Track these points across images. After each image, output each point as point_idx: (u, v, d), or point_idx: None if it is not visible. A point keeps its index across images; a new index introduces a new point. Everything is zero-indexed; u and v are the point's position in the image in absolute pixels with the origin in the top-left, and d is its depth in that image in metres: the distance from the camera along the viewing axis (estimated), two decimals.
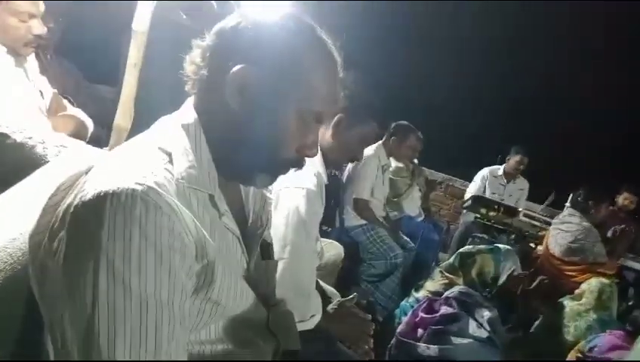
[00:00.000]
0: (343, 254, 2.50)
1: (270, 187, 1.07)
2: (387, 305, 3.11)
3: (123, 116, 1.29)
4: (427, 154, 4.57)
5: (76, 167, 0.79)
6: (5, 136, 1.14)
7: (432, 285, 2.51)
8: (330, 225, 3.46)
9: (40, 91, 1.75)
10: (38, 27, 1.55)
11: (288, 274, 1.32)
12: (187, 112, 0.85)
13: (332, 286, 1.97)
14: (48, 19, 2.06)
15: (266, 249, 1.03)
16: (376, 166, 3.50)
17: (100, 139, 1.88)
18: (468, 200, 4.60)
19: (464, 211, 4.81)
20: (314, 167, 1.46)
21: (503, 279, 2.39)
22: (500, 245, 2.73)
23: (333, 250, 2.43)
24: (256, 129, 0.82)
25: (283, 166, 0.89)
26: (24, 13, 1.49)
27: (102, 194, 0.65)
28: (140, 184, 0.67)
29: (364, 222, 3.32)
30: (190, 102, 0.87)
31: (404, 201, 4.11)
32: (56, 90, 1.88)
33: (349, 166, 3.59)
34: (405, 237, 3.54)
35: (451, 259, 2.71)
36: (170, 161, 0.77)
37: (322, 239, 2.48)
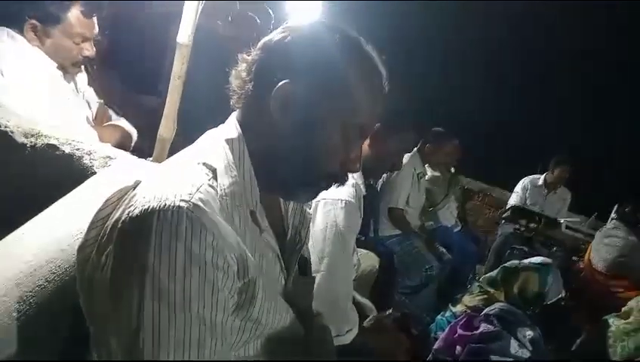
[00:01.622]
0: (377, 265, 2.47)
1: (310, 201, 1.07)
2: (421, 318, 3.05)
3: (166, 128, 1.31)
4: (464, 163, 4.48)
5: (123, 180, 0.80)
6: (54, 148, 1.19)
7: (470, 300, 2.44)
8: (364, 233, 3.43)
9: (87, 102, 1.82)
10: (89, 49, 1.62)
11: (325, 288, 1.31)
12: (231, 127, 0.85)
13: (366, 298, 1.95)
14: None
15: (304, 264, 1.02)
16: (412, 174, 3.44)
17: (142, 148, 1.93)
18: (507, 210, 4.47)
19: (502, 222, 4.67)
20: (352, 178, 1.45)
21: (547, 297, 2.30)
22: (540, 259, 2.62)
23: (368, 261, 2.40)
24: (300, 143, 0.82)
25: (326, 181, 0.89)
26: (78, 35, 1.56)
27: (149, 210, 0.66)
28: (185, 201, 0.68)
29: (398, 232, 3.27)
30: (234, 116, 0.88)
31: (441, 211, 4.03)
32: (102, 101, 1.94)
33: (385, 174, 3.55)
34: (442, 248, 3.46)
35: (494, 273, 2.62)
36: (215, 177, 0.77)
37: (358, 249, 2.47)
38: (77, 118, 1.60)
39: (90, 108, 1.82)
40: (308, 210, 1.05)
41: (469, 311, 2.30)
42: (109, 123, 1.84)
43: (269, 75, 0.81)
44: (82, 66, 1.74)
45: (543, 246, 4.16)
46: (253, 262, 0.76)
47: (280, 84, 0.79)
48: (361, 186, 1.49)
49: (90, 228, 0.77)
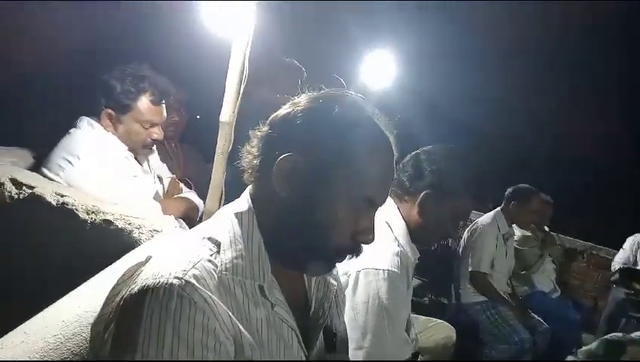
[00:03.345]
0: (454, 337, 2.26)
1: (335, 272, 1.02)
2: None
3: (212, 201, 1.38)
4: (564, 220, 4.09)
5: (139, 257, 0.84)
6: (109, 223, 1.29)
7: None
8: (447, 298, 3.21)
9: (159, 178, 1.98)
10: (157, 133, 1.79)
11: None
12: (243, 201, 0.87)
13: None
14: (174, 114, 2.37)
15: (330, 339, 0.96)
16: (495, 235, 3.20)
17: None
18: (616, 272, 3.94)
19: (613, 286, 4.11)
20: (396, 245, 1.37)
21: None
22: None
23: (442, 332, 2.22)
24: (306, 216, 0.81)
25: (337, 253, 0.85)
26: (147, 122, 1.74)
27: (144, 288, 0.68)
28: (178, 278, 0.68)
29: (483, 298, 3.01)
30: (247, 190, 0.89)
31: (535, 275, 3.66)
32: (174, 176, 2.10)
33: (465, 235, 3.35)
34: (537, 318, 3.10)
35: (593, 346, 2.28)
36: (219, 251, 0.78)
37: (430, 319, 2.30)
38: (142, 194, 1.74)
39: (162, 183, 1.98)
40: (332, 281, 1.01)
41: None
42: (176, 196, 1.97)
43: (273, 149, 0.82)
44: (154, 147, 1.91)
45: None
46: (249, 340, 0.73)
47: (281, 157, 0.80)
48: (409, 253, 1.40)
49: (104, 305, 0.81)
